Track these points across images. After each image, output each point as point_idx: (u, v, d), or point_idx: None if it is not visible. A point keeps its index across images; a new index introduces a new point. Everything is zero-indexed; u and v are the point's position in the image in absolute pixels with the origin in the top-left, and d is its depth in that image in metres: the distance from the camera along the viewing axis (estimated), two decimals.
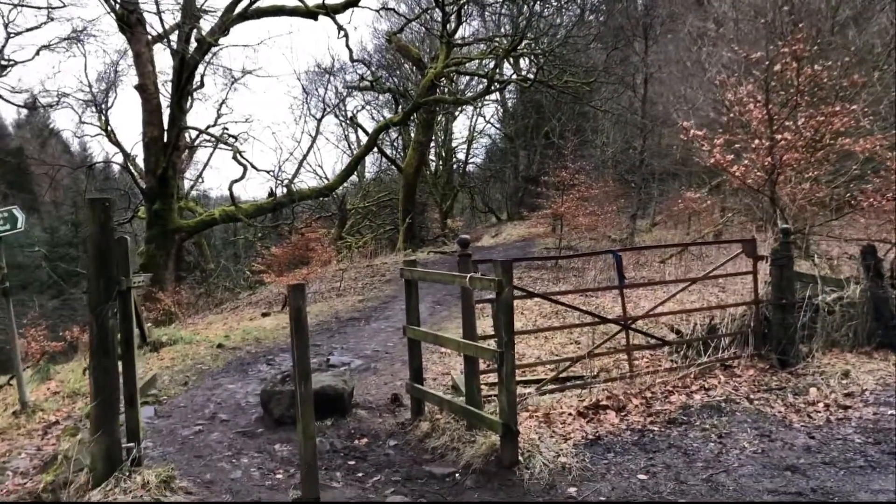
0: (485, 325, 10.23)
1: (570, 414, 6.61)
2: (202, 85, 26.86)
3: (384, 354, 10.42)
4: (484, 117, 45.11)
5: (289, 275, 17.47)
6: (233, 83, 31.49)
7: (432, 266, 22.66)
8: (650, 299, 13.85)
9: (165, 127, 21.63)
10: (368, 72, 29.68)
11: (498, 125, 45.91)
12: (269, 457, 6.27)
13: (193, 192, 38.19)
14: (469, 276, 5.72)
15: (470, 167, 46.32)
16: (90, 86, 33.75)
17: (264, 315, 14.73)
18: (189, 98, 23.94)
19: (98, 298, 5.26)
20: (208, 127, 30.29)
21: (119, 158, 29.84)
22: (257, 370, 10.06)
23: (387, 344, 11.21)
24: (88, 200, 5.29)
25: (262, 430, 7.04)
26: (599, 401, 6.83)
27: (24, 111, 54.54)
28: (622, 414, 6.67)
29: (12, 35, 26.01)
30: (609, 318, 8.08)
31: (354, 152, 32.88)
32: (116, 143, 30.34)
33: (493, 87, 26.28)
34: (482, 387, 6.36)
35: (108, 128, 30.76)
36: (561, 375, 7.52)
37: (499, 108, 45.50)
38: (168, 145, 21.30)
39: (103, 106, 30.19)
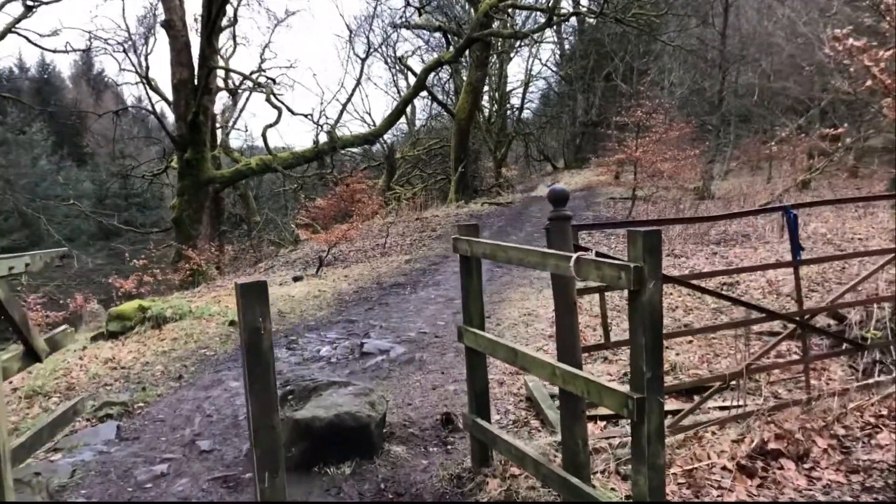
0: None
1: (724, 468, 4.05)
2: (236, 21, 24.37)
3: (433, 338, 7.95)
4: (540, 60, 41.47)
5: (330, 232, 15.12)
6: (276, 25, 29.03)
7: (487, 220, 20.06)
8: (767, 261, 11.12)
9: (196, 68, 19.24)
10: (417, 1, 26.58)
11: (555, 68, 42.50)
12: None
13: (241, 144, 36.13)
14: (576, 256, 3.14)
15: (525, 113, 43.22)
16: (127, 29, 31.78)
17: (296, 280, 12.39)
18: (220, 35, 21.48)
19: None
20: (252, 73, 27.93)
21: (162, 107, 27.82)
22: (274, 358, 7.72)
23: (436, 322, 8.74)
24: None
25: (251, 474, 4.66)
26: (766, 441, 4.25)
27: (79, 64, 53.21)
28: (807, 466, 4.10)
29: None
30: (774, 311, 5.40)
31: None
32: (155, 90, 28.39)
33: (553, 21, 23.12)
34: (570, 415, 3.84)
35: (147, 74, 28.83)
36: (700, 394, 4.95)
37: (556, 49, 42.16)
38: (198, 88, 18.94)
39: (141, 51, 28.23)
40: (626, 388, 2.99)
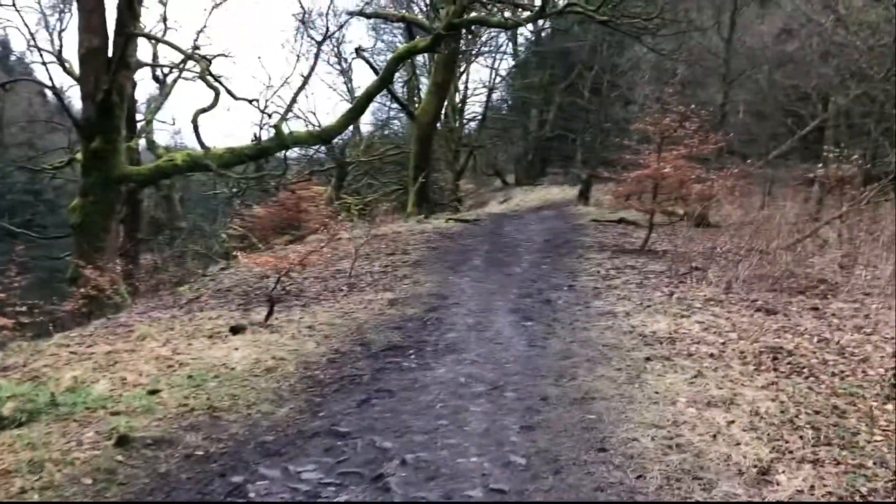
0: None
1: None
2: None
3: None
4: (496, 70, 37.28)
5: (281, 255, 10.83)
6: (214, 7, 24.14)
7: (462, 241, 16.02)
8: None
9: (112, 36, 14.57)
10: None
11: (510, 79, 38.99)
12: None
13: (169, 141, 30.97)
14: None
15: (473, 124, 39.60)
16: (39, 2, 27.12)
17: (235, 331, 7.89)
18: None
19: None
20: (184, 52, 22.94)
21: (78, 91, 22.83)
22: None
23: (504, 453, 4.55)
24: None
25: None
26: None
27: None
28: None
29: None
30: None
31: (356, 95, 25.78)
32: (69, 72, 23.72)
33: (546, 11, 19.28)
34: None
35: (61, 52, 24.20)
36: None
37: (511, 58, 38.60)
38: (113, 59, 14.27)
39: (54, 26, 23.75)
40: None
